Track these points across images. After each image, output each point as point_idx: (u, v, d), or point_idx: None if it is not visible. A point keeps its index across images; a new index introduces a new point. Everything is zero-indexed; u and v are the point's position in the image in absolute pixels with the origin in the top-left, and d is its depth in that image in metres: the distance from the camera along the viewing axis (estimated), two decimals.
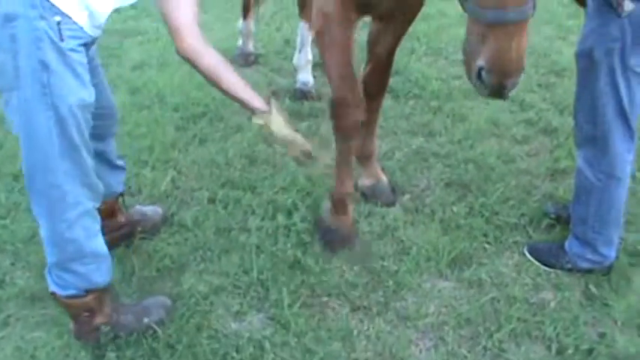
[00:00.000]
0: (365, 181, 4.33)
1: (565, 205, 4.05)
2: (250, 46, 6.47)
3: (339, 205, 3.98)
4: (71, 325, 3.26)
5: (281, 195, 4.29)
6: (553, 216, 4.05)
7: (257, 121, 3.15)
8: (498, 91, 2.60)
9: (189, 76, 5.84)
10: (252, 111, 3.15)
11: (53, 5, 2.57)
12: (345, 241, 3.92)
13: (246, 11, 6.38)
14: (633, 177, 4.25)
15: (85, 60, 2.77)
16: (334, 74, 3.62)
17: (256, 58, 6.43)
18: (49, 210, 2.88)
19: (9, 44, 2.57)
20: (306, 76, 5.79)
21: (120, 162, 3.72)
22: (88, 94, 2.79)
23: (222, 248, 3.86)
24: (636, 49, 3.13)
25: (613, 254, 3.64)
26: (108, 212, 3.67)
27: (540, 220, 4.07)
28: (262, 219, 4.06)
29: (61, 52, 2.62)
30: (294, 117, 5.20)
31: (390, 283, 3.60)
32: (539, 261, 3.74)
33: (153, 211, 4.09)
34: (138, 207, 4.10)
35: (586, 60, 3.29)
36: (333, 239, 3.92)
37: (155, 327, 3.28)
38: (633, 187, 4.26)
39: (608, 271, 3.65)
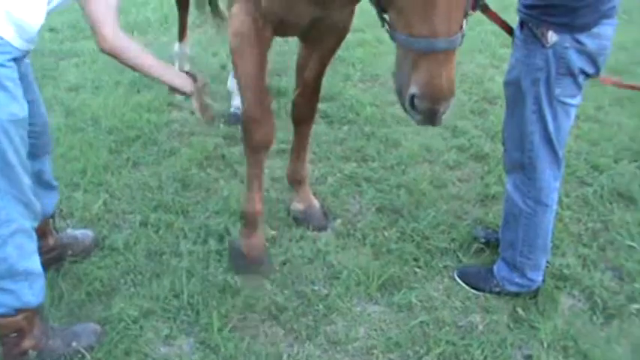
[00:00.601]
0: (297, 206, 4.35)
1: (495, 230, 4.12)
2: (186, 69, 6.43)
3: (249, 225, 3.95)
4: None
5: (213, 219, 4.29)
6: (483, 240, 4.11)
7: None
8: (430, 117, 2.62)
9: (124, 98, 5.84)
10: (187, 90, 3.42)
11: None
12: (256, 265, 3.90)
13: (182, 34, 6.36)
14: (560, 203, 4.36)
15: (15, 75, 2.76)
16: (246, 91, 3.66)
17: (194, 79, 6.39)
18: None
19: None
20: (237, 101, 5.80)
21: (54, 183, 3.68)
22: (20, 109, 2.77)
23: (153, 272, 3.83)
24: (561, 79, 3.22)
25: (540, 278, 3.71)
26: (38, 234, 3.53)
27: (470, 244, 4.12)
28: (194, 243, 4.05)
29: None
30: (228, 140, 5.23)
31: (321, 307, 3.61)
32: (468, 285, 3.79)
33: (83, 234, 4.03)
34: (69, 230, 4.06)
35: (513, 89, 3.38)
36: (243, 264, 3.90)
37: (83, 351, 3.24)
38: (560, 213, 4.36)
39: (535, 294, 3.72)
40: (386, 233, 4.21)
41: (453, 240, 4.16)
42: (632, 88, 4.11)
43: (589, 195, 4.73)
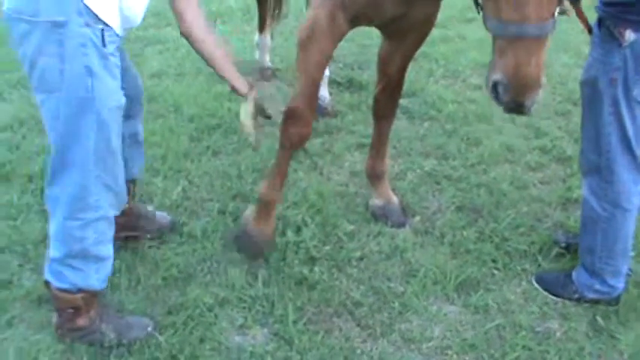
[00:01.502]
0: (376, 201, 4.33)
1: (575, 234, 4.02)
2: (267, 61, 6.46)
3: (262, 211, 3.92)
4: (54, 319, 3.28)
5: (291, 210, 4.28)
6: (563, 245, 4.03)
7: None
8: (515, 108, 2.59)
9: (206, 86, 5.88)
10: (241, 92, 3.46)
11: (97, 14, 2.70)
12: (260, 252, 3.90)
13: (262, 25, 6.36)
14: None
15: (119, 62, 2.90)
16: (301, 83, 3.65)
17: (273, 73, 6.41)
18: (68, 206, 2.94)
19: (56, 49, 2.67)
20: (322, 92, 5.78)
21: (143, 145, 3.82)
22: (122, 95, 2.92)
23: (229, 260, 3.85)
24: (638, 79, 3.13)
25: (621, 285, 3.61)
26: None
27: (550, 248, 4.04)
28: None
29: (103, 57, 2.76)
30: None
31: (396, 304, 3.58)
32: (546, 290, 3.72)
33: (161, 216, 4.12)
34: (150, 208, 4.14)
35: (590, 89, 3.30)
36: (248, 248, 3.91)
37: (158, 336, 3.28)
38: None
39: (616, 302, 3.62)
40: (464, 233, 4.16)
41: (532, 243, 4.08)
42: None
43: None
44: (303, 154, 4.94)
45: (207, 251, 3.92)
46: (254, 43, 6.57)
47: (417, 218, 4.32)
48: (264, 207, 3.92)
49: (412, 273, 3.82)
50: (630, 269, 3.74)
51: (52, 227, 3.04)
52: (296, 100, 3.69)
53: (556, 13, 2.53)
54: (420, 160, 4.98)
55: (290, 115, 3.70)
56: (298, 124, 3.70)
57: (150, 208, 4.15)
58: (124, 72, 3.07)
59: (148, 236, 3.96)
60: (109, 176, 2.96)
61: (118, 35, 2.86)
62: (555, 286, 3.72)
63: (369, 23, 3.67)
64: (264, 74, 6.36)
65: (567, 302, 3.65)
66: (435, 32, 6.69)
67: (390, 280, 3.77)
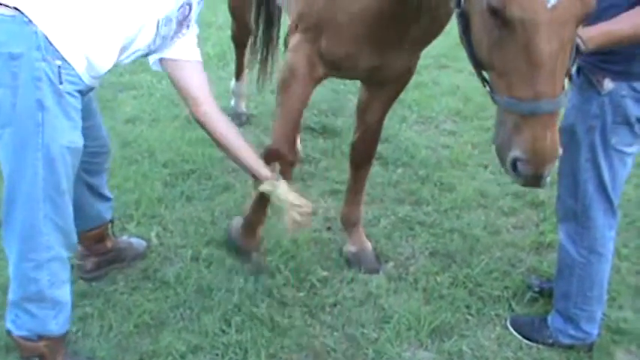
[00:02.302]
0: (350, 248, 4.32)
1: (549, 279, 4.05)
2: (243, 107, 6.48)
3: (248, 231, 4.22)
4: None
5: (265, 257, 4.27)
6: (537, 289, 4.03)
7: (265, 187, 3.40)
8: (534, 181, 2.58)
9: (180, 132, 5.87)
10: (257, 178, 3.42)
11: (56, 50, 2.70)
12: (246, 257, 4.20)
13: (239, 72, 6.40)
14: (618, 253, 4.27)
15: (79, 106, 2.88)
16: (280, 125, 3.76)
17: (248, 119, 6.43)
18: (20, 246, 2.91)
19: (10, 81, 2.67)
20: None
21: (109, 195, 3.88)
22: (79, 139, 2.89)
23: (202, 307, 3.82)
24: (617, 127, 3.17)
25: (595, 331, 3.62)
26: (97, 238, 3.86)
27: (524, 293, 4.05)
28: (245, 280, 4.03)
29: (58, 94, 2.74)
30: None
31: (370, 351, 3.57)
32: (521, 335, 3.72)
33: (137, 242, 4.26)
34: (125, 237, 4.25)
35: (568, 136, 3.32)
36: (239, 252, 4.24)
37: None
38: (617, 264, 4.27)
39: (590, 347, 3.63)
40: (438, 278, 4.15)
41: (506, 288, 4.09)
42: None
43: None
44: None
45: (180, 297, 3.89)
46: (230, 90, 6.59)
47: (391, 264, 4.31)
48: (249, 227, 4.21)
49: (386, 319, 3.80)
50: (604, 314, 3.76)
51: (10, 270, 3.02)
52: (276, 142, 3.79)
53: (566, 84, 2.54)
54: (394, 206, 4.98)
55: (270, 156, 3.76)
56: (282, 163, 3.79)
57: (124, 237, 4.27)
58: (91, 129, 3.15)
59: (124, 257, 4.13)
60: (59, 216, 2.93)
61: (81, 79, 2.85)
62: (530, 330, 3.73)
63: (347, 74, 3.75)
64: (239, 120, 6.37)
65: (541, 347, 3.66)
66: None
67: (364, 326, 3.75)
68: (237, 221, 4.35)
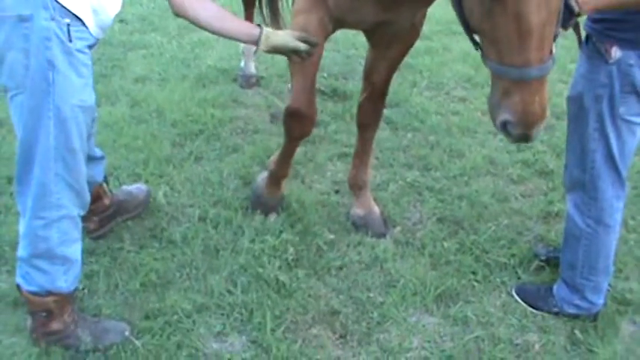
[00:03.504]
0: (357, 211, 4.32)
1: (556, 248, 4.03)
2: (252, 68, 6.45)
3: (273, 183, 4.33)
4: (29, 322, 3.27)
5: (272, 217, 4.28)
6: (543, 258, 4.03)
7: (268, 43, 3.24)
8: (523, 139, 2.69)
9: (189, 92, 5.85)
10: (256, 43, 3.24)
11: (64, 7, 2.71)
12: (271, 208, 4.33)
13: None
14: (625, 225, 4.26)
15: (89, 62, 2.90)
16: (296, 86, 3.84)
17: (258, 81, 6.40)
18: (32, 204, 2.94)
19: (22, 43, 2.69)
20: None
21: (99, 153, 3.83)
22: (90, 96, 2.92)
23: (208, 267, 3.84)
24: (625, 97, 3.15)
25: (601, 301, 3.62)
26: (94, 197, 3.72)
27: (530, 261, 4.04)
28: (251, 240, 4.04)
29: (68, 53, 2.76)
30: None
31: (375, 314, 3.57)
32: (526, 303, 3.72)
33: (138, 189, 4.27)
34: (123, 187, 4.27)
35: (576, 105, 3.31)
36: (263, 206, 4.32)
37: (135, 341, 3.27)
38: (625, 235, 4.26)
39: (595, 317, 3.63)
40: (445, 244, 4.15)
41: (512, 255, 4.08)
42: None
43: None
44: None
45: (187, 257, 3.90)
46: (239, 51, 6.57)
47: (398, 229, 4.31)
48: (275, 181, 4.34)
49: (392, 283, 3.81)
50: (610, 284, 3.75)
51: (21, 227, 3.04)
52: (295, 100, 3.85)
53: (554, 49, 2.59)
54: (403, 171, 4.97)
55: (291, 115, 3.91)
56: (299, 123, 3.93)
57: (123, 187, 4.29)
58: None
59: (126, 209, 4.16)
60: (70, 175, 2.95)
61: (90, 33, 2.87)
62: (535, 298, 3.72)
63: (354, 27, 3.79)
64: (249, 82, 6.34)
65: (546, 315, 3.65)
66: (419, 44, 6.70)
67: (370, 290, 3.76)
68: (262, 176, 4.44)
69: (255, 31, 3.24)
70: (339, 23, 3.64)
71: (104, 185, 4.00)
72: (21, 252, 3.06)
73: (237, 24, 3.30)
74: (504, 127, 2.66)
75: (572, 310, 3.62)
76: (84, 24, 2.82)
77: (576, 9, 2.71)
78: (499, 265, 4.02)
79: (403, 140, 5.47)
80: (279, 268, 3.83)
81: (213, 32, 3.28)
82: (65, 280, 3.12)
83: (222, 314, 3.52)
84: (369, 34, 3.93)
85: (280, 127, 4.32)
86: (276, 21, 6.13)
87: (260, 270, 3.79)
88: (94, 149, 3.70)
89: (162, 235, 4.08)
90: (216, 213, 4.29)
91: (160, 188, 4.53)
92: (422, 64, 6.99)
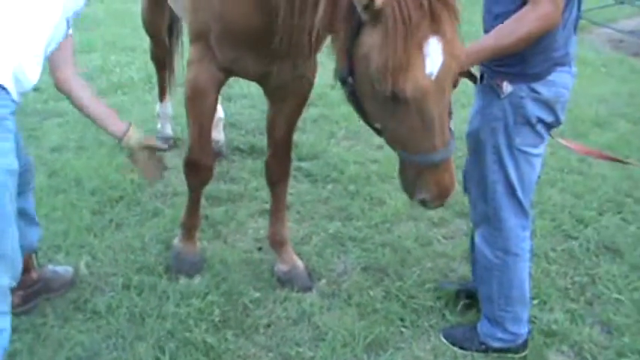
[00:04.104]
0: (281, 267, 4.32)
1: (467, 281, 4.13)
2: (169, 130, 6.42)
3: (185, 234, 4.43)
4: None
5: (196, 279, 4.27)
6: (466, 296, 4.10)
7: (126, 142, 3.57)
8: (439, 206, 2.98)
9: (107, 159, 5.80)
10: (114, 134, 3.55)
11: None
12: (191, 266, 4.34)
13: (162, 93, 6.37)
14: (546, 257, 4.36)
15: (13, 128, 2.89)
16: (194, 136, 4.02)
17: (175, 142, 6.36)
18: None
19: None
20: (216, 135, 5.88)
21: (36, 219, 3.80)
22: (15, 160, 2.89)
23: (135, 335, 3.78)
24: (519, 128, 3.26)
25: (523, 331, 3.69)
26: (23, 269, 3.58)
27: (456, 303, 4.08)
28: (177, 305, 4.00)
29: None
30: (211, 201, 5.19)
31: None
32: (454, 345, 3.76)
33: (64, 270, 4.17)
34: (50, 267, 4.16)
35: (474, 140, 3.43)
36: (181, 265, 4.34)
37: None
38: (546, 267, 4.37)
39: (522, 349, 3.70)
40: (371, 293, 4.17)
41: (438, 298, 4.13)
42: (590, 153, 4.22)
43: (575, 248, 4.74)
44: (206, 223, 4.91)
45: (112, 327, 3.83)
46: (155, 113, 6.55)
47: (323, 281, 4.32)
48: (187, 232, 4.43)
49: (321, 337, 3.81)
50: (535, 317, 3.83)
51: None
52: (192, 150, 4.06)
53: (452, 126, 2.77)
54: (324, 223, 4.99)
55: (189, 166, 4.14)
56: (198, 172, 4.15)
57: (50, 267, 4.18)
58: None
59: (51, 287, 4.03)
60: (4, 244, 2.87)
61: (12, 100, 2.87)
62: (462, 339, 3.78)
63: (241, 76, 3.91)
64: (167, 143, 6.31)
65: (476, 355, 3.71)
66: (334, 94, 6.77)
67: (299, 345, 3.75)
68: (178, 237, 4.49)
69: (124, 126, 3.55)
70: (227, 72, 3.76)
71: (34, 257, 3.96)
72: None
73: (111, 113, 3.60)
74: (423, 203, 2.87)
75: (497, 344, 3.69)
76: (6, 91, 2.83)
77: (459, 69, 2.80)
78: (426, 309, 4.06)
79: (323, 192, 5.49)
80: (207, 330, 3.79)
81: (88, 114, 3.51)
82: None
83: None
84: (264, 86, 4.03)
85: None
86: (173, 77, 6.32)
87: (187, 334, 3.75)
88: (33, 211, 3.70)
89: (86, 307, 4.00)
90: (139, 280, 4.23)
91: (81, 258, 4.45)
92: (338, 114, 7.04)
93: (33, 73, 2.99)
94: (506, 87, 3.19)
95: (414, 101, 2.57)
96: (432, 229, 4.99)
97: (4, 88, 2.81)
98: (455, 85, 2.80)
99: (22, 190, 3.42)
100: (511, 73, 3.18)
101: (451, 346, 3.77)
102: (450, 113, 2.74)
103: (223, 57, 3.62)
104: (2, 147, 2.81)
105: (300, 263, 4.34)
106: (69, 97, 3.46)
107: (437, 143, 2.66)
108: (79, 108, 3.50)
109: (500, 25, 3.02)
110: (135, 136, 3.58)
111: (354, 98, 2.82)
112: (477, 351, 3.72)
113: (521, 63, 3.14)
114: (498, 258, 3.53)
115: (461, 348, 3.75)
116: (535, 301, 4.05)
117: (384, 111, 2.70)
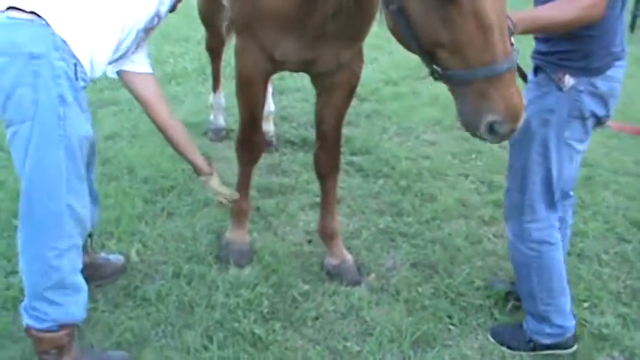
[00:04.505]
0: (330, 260, 4.32)
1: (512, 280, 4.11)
2: (222, 121, 6.48)
3: (235, 221, 4.50)
4: None
5: (246, 271, 4.28)
6: (507, 290, 4.11)
7: (205, 180, 3.97)
8: (509, 135, 2.72)
9: (160, 148, 5.84)
10: (200, 172, 3.92)
11: (71, 50, 2.90)
12: (240, 255, 4.39)
13: (216, 83, 6.42)
14: (598, 259, 4.30)
15: (86, 99, 3.06)
16: (245, 119, 4.13)
17: (227, 133, 6.41)
18: (43, 236, 3.02)
19: (31, 79, 2.82)
20: (266, 126, 5.92)
21: (98, 197, 3.85)
22: (90, 128, 3.09)
23: (184, 323, 3.80)
24: (571, 121, 3.25)
25: (571, 324, 3.65)
26: None
27: (506, 302, 4.05)
28: (226, 295, 4.02)
29: (75, 89, 2.93)
30: (262, 193, 5.21)
31: None
32: (502, 344, 3.72)
33: (116, 258, 4.25)
34: (102, 253, 4.25)
35: (521, 130, 3.36)
36: (228, 253, 4.39)
37: None
38: (598, 270, 4.31)
39: (572, 343, 3.66)
40: (420, 289, 4.15)
41: (487, 297, 4.09)
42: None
43: (628, 252, 4.66)
44: (257, 214, 4.93)
45: (162, 315, 3.86)
46: (208, 104, 6.59)
47: (372, 276, 4.31)
48: (237, 218, 4.49)
49: (368, 331, 3.80)
50: (585, 320, 3.78)
51: (24, 264, 3.10)
52: (242, 132, 4.20)
53: (513, 40, 2.65)
54: (375, 218, 4.99)
55: (241, 146, 4.28)
56: (247, 150, 4.31)
57: (102, 254, 4.25)
58: None
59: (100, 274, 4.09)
60: (79, 204, 3.06)
61: (86, 76, 3.03)
62: (510, 339, 3.74)
63: (284, 64, 3.86)
64: (219, 134, 6.36)
65: (524, 355, 3.66)
66: (387, 90, 6.78)
67: (346, 339, 3.74)
68: (229, 230, 4.56)
69: (207, 169, 3.91)
70: (273, 62, 3.76)
71: (89, 241, 4.02)
72: (30, 289, 3.11)
73: (195, 150, 3.92)
74: (491, 129, 2.66)
75: (546, 340, 3.64)
76: (84, 68, 3.00)
77: (512, 29, 2.75)
78: (475, 307, 4.02)
79: (374, 187, 5.49)
80: (255, 321, 3.80)
81: (176, 146, 3.82)
82: (77, 309, 3.20)
83: None
84: (310, 76, 4.08)
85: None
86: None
87: (236, 324, 3.76)
88: (94, 187, 3.76)
89: (136, 294, 4.04)
90: (189, 269, 4.27)
91: (132, 246, 4.50)
92: (390, 110, 7.04)
93: (100, 66, 3.14)
94: (568, 80, 3.18)
95: (470, 1, 2.47)
96: (482, 227, 4.95)
97: (82, 65, 2.98)
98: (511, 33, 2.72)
99: (88, 162, 3.52)
100: (574, 67, 3.17)
101: (499, 345, 3.73)
102: (509, 29, 2.63)
103: (267, 45, 3.64)
104: (79, 115, 2.97)
105: (349, 257, 4.34)
106: (166, 137, 3.77)
107: (498, 52, 2.54)
108: (174, 146, 3.82)
109: (556, 2, 2.99)
110: (216, 181, 3.97)
111: (403, 16, 2.65)
112: (525, 350, 3.68)
113: (585, 58, 3.15)
114: (533, 250, 3.51)
115: (509, 347, 3.71)
116: (586, 304, 4.01)
117: (437, 22, 2.56)
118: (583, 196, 5.28)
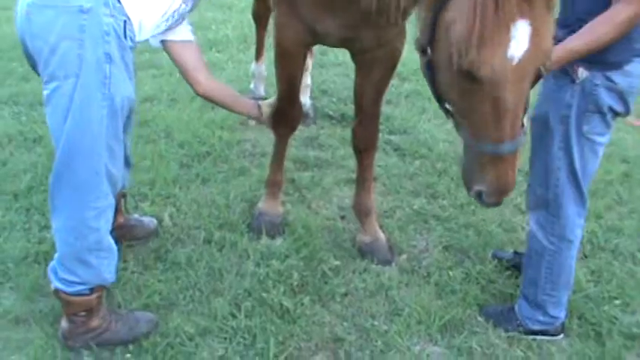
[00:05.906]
0: (363, 238, 4.30)
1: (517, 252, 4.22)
2: (262, 91, 6.46)
3: (269, 192, 4.52)
4: (60, 332, 3.34)
5: (277, 241, 4.28)
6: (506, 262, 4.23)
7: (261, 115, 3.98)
8: (495, 205, 2.88)
9: (198, 113, 5.85)
10: (253, 119, 4.08)
11: (122, 7, 2.89)
12: (272, 226, 4.41)
13: (259, 52, 6.39)
14: (632, 258, 4.25)
15: (132, 59, 3.06)
16: (282, 88, 4.09)
17: None
18: (81, 196, 3.02)
19: (78, 34, 2.81)
20: (304, 98, 5.90)
21: (131, 160, 3.86)
22: (133, 89, 3.10)
23: (212, 290, 3.82)
24: (589, 116, 3.21)
25: (562, 314, 3.66)
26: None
27: None
28: (257, 264, 4.03)
29: (122, 48, 2.93)
30: (298, 165, 5.20)
31: (379, 342, 3.54)
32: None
33: (149, 221, 4.27)
34: (135, 215, 4.29)
35: (541, 125, 3.38)
36: (259, 223, 4.40)
37: None
38: (632, 268, 4.24)
39: (560, 332, 3.67)
40: (451, 273, 4.12)
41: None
42: None
43: None
44: (292, 186, 4.92)
45: (191, 280, 3.88)
46: (250, 72, 6.57)
47: (404, 257, 4.28)
48: (270, 189, 4.52)
49: (396, 312, 3.78)
50: (616, 318, 3.74)
51: (59, 225, 3.10)
52: (279, 102, 4.10)
53: (525, 122, 2.66)
54: (410, 199, 4.95)
55: (277, 116, 4.10)
56: (283, 122, 4.21)
57: (135, 215, 4.30)
58: None
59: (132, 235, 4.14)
60: (115, 164, 3.08)
61: (134, 35, 3.04)
62: (499, 319, 3.76)
63: (325, 40, 3.87)
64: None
65: (551, 347, 3.62)
66: None
67: (374, 317, 3.73)
68: (262, 200, 4.58)
69: (257, 112, 3.92)
70: (312, 35, 3.75)
71: (123, 202, 4.05)
72: (64, 249, 3.11)
73: (246, 101, 4.01)
74: (479, 196, 2.78)
75: (535, 327, 3.66)
76: (133, 29, 3.00)
77: (543, 72, 2.71)
78: (505, 295, 3.99)
79: (410, 167, 5.45)
80: (284, 293, 3.80)
81: (223, 106, 3.92)
82: (109, 272, 3.24)
83: (225, 338, 3.49)
84: (350, 52, 4.04)
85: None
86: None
87: (264, 295, 3.76)
88: (130, 150, 3.76)
89: (167, 257, 4.06)
90: (221, 236, 4.27)
91: (165, 209, 4.52)
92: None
93: (148, 29, 3.14)
94: (582, 72, 3.12)
95: (489, 82, 2.44)
96: (516, 216, 4.89)
97: (132, 24, 2.98)
98: (535, 81, 2.69)
99: (126, 125, 3.52)
100: (589, 59, 3.09)
101: (524, 335, 3.70)
102: (525, 108, 2.63)
103: (306, 18, 3.63)
104: (124, 74, 2.97)
105: (382, 236, 4.32)
106: (211, 100, 3.81)
107: (505, 134, 2.56)
108: (222, 105, 3.89)
109: (589, 26, 2.93)
110: (266, 109, 3.95)
111: (430, 70, 2.69)
112: (513, 331, 3.69)
113: (601, 50, 3.04)
114: (553, 244, 3.49)
115: (496, 326, 3.73)
116: (617, 302, 3.95)
117: (457, 88, 2.58)
118: (621, 193, 5.22)
